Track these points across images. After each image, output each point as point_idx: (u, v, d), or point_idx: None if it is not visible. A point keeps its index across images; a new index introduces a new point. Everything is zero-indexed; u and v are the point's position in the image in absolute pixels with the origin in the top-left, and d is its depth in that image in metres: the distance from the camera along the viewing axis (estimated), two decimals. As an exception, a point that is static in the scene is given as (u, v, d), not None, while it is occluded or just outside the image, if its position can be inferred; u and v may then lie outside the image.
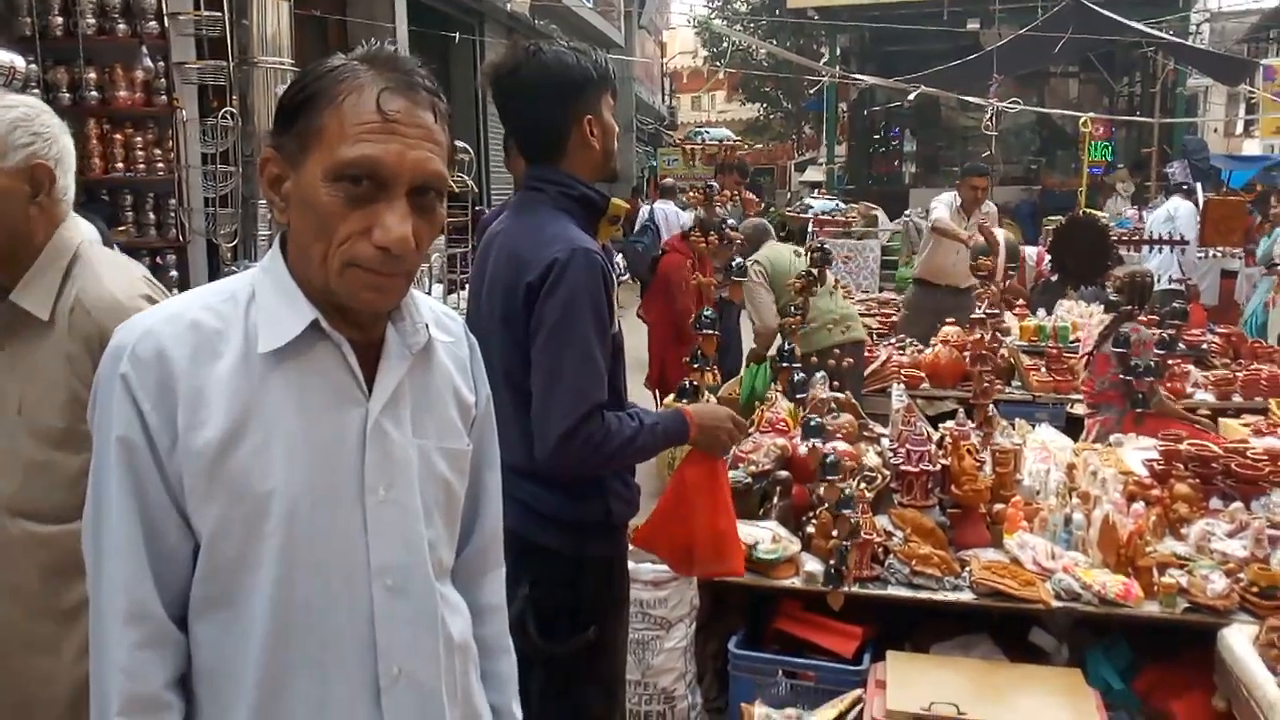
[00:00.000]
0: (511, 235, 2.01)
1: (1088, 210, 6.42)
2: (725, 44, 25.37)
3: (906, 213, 11.47)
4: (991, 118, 10.15)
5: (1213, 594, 2.82)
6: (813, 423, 3.36)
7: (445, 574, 1.25)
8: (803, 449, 3.42)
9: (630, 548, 2.19)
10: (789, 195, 20.28)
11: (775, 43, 20.80)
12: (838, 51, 17.13)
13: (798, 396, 3.81)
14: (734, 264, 3.82)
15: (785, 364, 3.84)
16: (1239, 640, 2.62)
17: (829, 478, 3.11)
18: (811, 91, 20.80)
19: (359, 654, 1.14)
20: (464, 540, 1.32)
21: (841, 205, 4.87)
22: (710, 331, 3.45)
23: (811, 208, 4.75)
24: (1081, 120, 9.19)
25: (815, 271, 3.82)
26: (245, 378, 1.10)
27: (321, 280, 1.12)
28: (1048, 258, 6.18)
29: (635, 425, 1.95)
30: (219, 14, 5.49)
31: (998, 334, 4.58)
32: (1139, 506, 3.32)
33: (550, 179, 2.01)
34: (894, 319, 7.30)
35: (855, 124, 18.04)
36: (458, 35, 9.89)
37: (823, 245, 3.81)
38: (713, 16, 25.29)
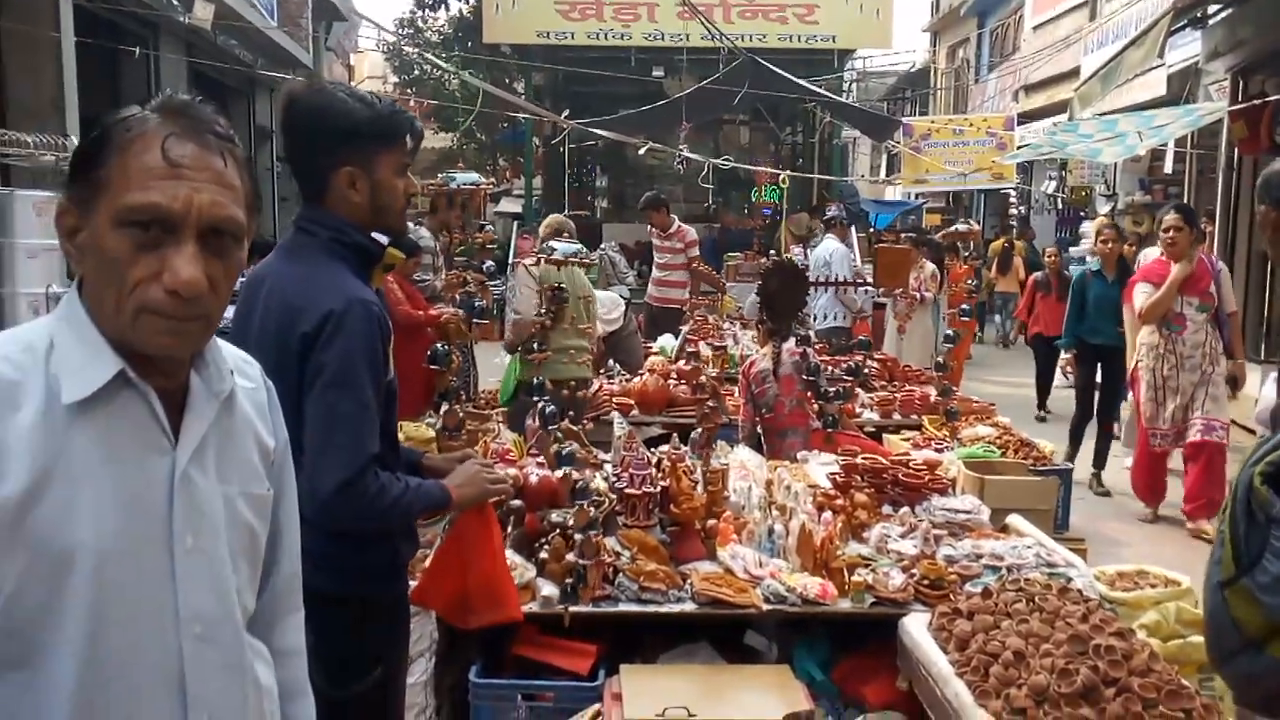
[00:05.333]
0: (282, 281, 1.97)
1: (788, 257, 7.13)
2: (417, 71, 25.17)
3: (602, 246, 12.02)
4: (681, 162, 10.91)
5: (893, 588, 3.25)
6: (564, 451, 3.49)
7: (248, 619, 1.26)
8: (534, 477, 3.54)
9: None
10: (482, 225, 20.48)
11: (472, 72, 20.91)
12: (531, 88, 17.58)
13: (549, 427, 3.94)
14: (486, 266, 3.91)
15: (534, 397, 3.95)
16: (916, 627, 3.04)
17: (580, 502, 3.26)
18: (505, 125, 21.14)
19: (169, 703, 1.13)
20: (262, 585, 1.32)
21: (585, 249, 5.06)
22: (437, 367, 3.50)
23: (556, 250, 4.90)
24: (781, 178, 10.18)
25: (554, 310, 3.99)
26: (48, 430, 1.07)
27: (116, 328, 1.11)
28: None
29: (403, 486, 1.98)
30: None
31: (697, 365, 4.98)
32: (828, 515, 3.73)
33: (323, 222, 2.00)
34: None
35: (550, 159, 18.57)
36: (137, 50, 9.14)
37: (560, 286, 3.98)
38: (403, 43, 25.02)
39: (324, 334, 1.87)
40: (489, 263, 4.00)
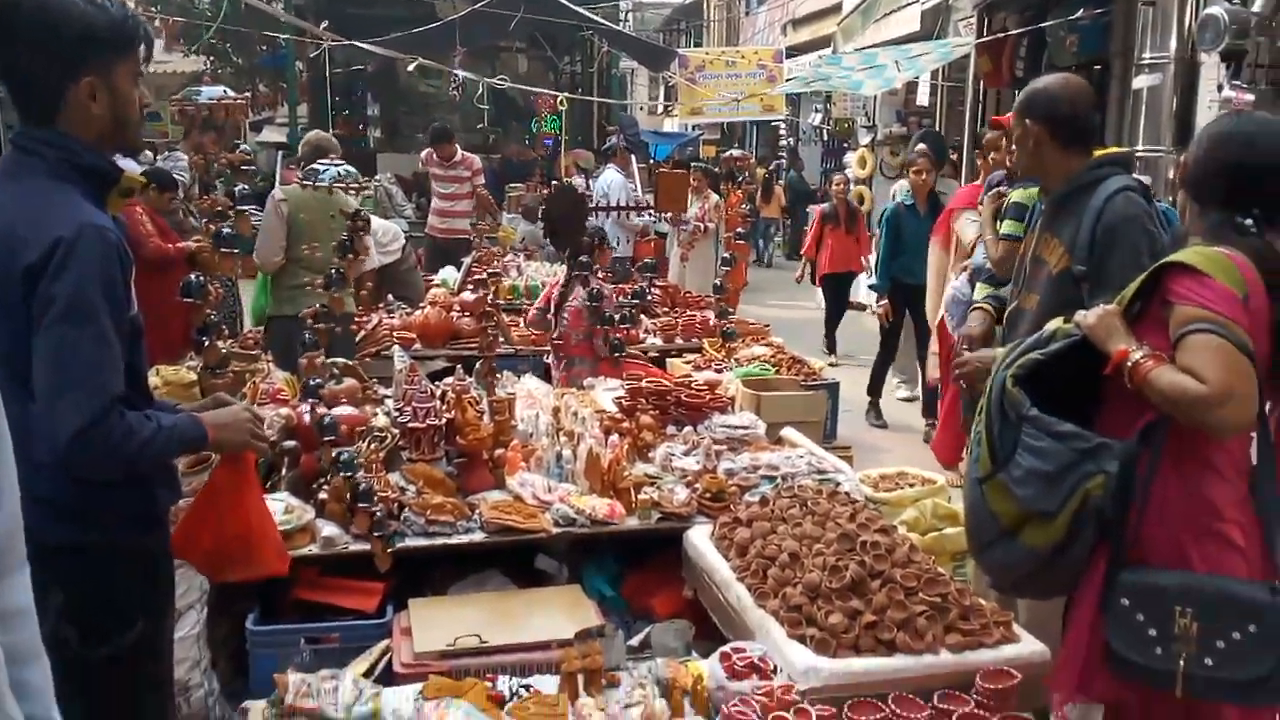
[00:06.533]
0: (1, 207, 1.75)
1: (568, 181, 7.05)
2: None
3: (378, 177, 11.55)
4: (457, 87, 10.57)
5: (678, 503, 3.34)
6: (311, 383, 3.34)
7: None
8: (307, 416, 3.38)
9: None
10: (236, 144, 19.10)
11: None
12: (292, 7, 16.46)
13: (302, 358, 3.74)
14: (238, 189, 3.64)
15: (324, 324, 3.73)
16: (699, 538, 3.14)
17: (326, 439, 3.13)
18: (264, 48, 19.73)
19: None
20: None
21: (354, 171, 4.82)
22: (192, 299, 3.25)
23: (321, 175, 4.61)
24: (559, 101, 9.97)
25: (353, 240, 3.81)
26: None
27: None
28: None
29: (154, 427, 1.81)
30: None
31: (483, 294, 4.90)
32: (615, 438, 3.79)
33: (50, 142, 1.79)
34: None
35: (315, 84, 17.53)
36: None
37: (359, 212, 3.78)
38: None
39: (53, 264, 1.68)
40: (241, 186, 3.70)
